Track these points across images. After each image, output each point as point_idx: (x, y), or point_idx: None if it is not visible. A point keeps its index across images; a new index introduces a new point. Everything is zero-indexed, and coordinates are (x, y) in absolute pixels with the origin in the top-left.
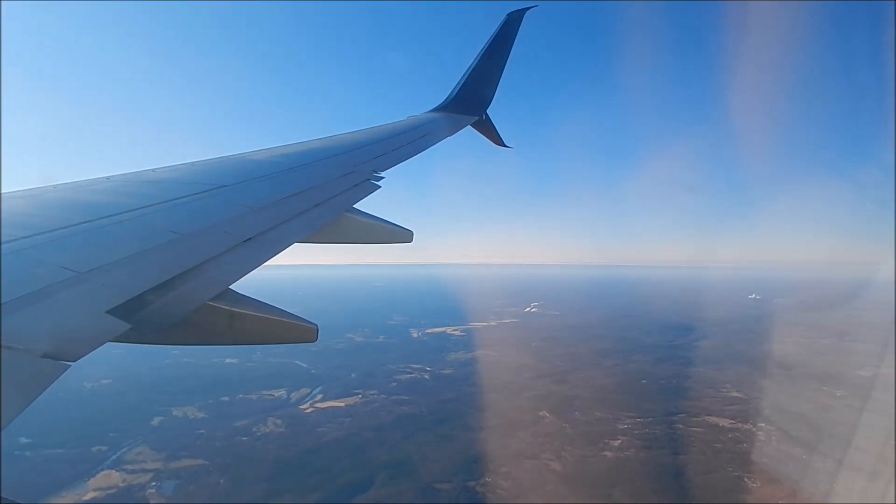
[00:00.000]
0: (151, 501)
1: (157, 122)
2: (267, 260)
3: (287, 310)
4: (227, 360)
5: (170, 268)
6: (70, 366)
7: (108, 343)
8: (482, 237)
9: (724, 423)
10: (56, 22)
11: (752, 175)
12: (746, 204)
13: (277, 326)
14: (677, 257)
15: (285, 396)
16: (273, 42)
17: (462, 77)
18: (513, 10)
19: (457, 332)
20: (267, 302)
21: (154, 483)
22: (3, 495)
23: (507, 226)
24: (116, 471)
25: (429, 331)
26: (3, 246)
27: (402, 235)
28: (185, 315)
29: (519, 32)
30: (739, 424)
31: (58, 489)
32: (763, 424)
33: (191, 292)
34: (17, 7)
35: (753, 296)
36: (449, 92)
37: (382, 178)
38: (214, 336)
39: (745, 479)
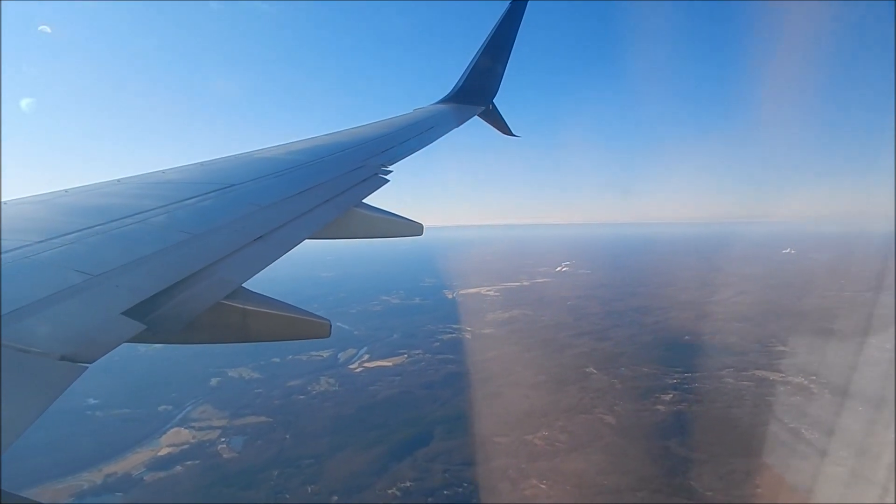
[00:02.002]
0: (224, 456)
1: (163, 122)
2: (278, 258)
3: (321, 275)
4: None
5: (182, 268)
6: (87, 367)
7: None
8: (503, 198)
9: (775, 376)
10: (63, 20)
11: (774, 132)
12: (772, 159)
13: (291, 323)
14: (700, 214)
15: (333, 357)
16: (278, 36)
17: (467, 67)
18: None
19: (491, 293)
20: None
21: (223, 439)
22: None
23: (529, 186)
24: (185, 428)
25: (463, 291)
26: (18, 251)
27: (411, 229)
28: (198, 314)
29: (523, 20)
30: (790, 378)
31: (133, 445)
32: (814, 377)
33: (203, 292)
34: (19, 7)
35: (788, 250)
36: (455, 83)
37: (391, 171)
38: (228, 334)
39: (803, 431)
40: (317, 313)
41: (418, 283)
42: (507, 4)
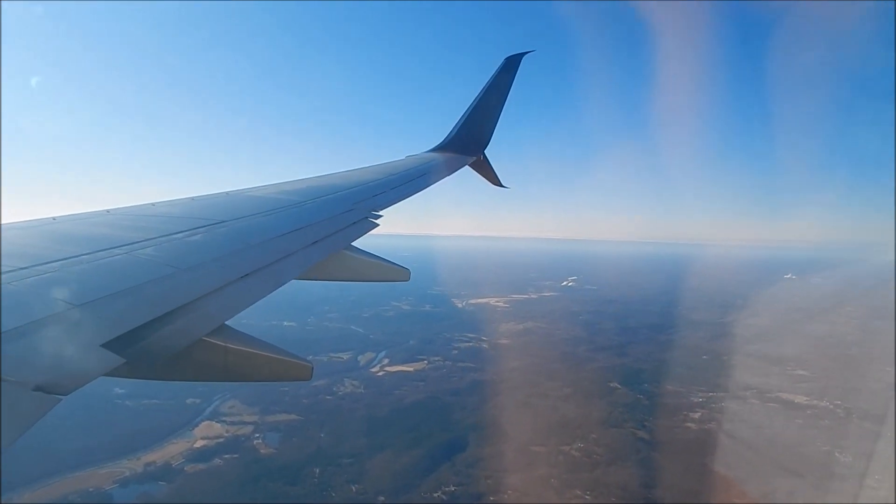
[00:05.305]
0: (262, 451)
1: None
2: (264, 296)
3: None
4: (286, 324)
5: (166, 302)
6: (61, 399)
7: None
8: (502, 211)
9: (800, 399)
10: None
11: (768, 156)
12: (766, 184)
13: (272, 363)
14: (692, 234)
15: (353, 360)
16: (275, 80)
17: (461, 118)
18: (511, 54)
19: (500, 304)
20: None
21: (257, 435)
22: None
23: (528, 200)
24: (217, 422)
25: (472, 301)
26: (0, 277)
27: (398, 274)
28: (179, 350)
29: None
30: (815, 401)
31: (167, 436)
32: (839, 402)
33: (186, 327)
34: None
35: (789, 275)
36: (448, 132)
37: (381, 216)
38: (209, 372)
39: (837, 454)
40: (305, 351)
41: (426, 290)
42: (501, 60)
